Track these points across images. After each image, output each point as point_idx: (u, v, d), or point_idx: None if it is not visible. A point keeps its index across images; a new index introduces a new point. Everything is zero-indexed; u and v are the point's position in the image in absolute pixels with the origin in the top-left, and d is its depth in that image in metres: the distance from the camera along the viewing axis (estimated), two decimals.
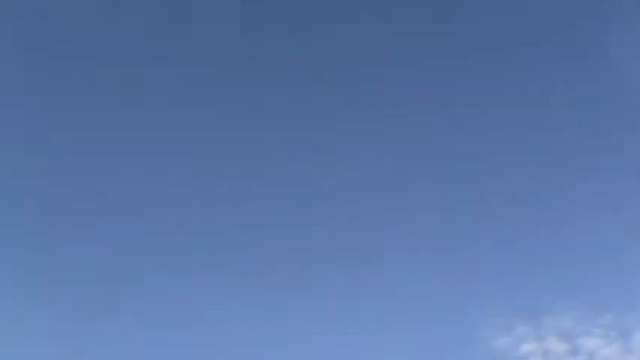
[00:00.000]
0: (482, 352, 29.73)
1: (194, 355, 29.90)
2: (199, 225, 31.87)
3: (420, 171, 33.25)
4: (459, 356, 29.53)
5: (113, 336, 29.66)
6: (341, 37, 33.68)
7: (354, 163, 33.36)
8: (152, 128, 33.86)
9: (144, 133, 33.38)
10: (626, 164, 34.57)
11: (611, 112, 34.59)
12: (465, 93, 34.25)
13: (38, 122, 33.31)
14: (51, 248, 31.42)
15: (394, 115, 33.04)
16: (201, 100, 33.72)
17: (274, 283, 32.07)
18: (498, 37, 34.61)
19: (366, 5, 34.57)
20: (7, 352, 27.94)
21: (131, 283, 31.09)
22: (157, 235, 32.18)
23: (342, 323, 30.52)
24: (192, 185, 33.23)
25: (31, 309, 29.60)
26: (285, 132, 33.41)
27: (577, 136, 34.04)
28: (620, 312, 30.39)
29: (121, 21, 33.44)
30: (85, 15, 33.57)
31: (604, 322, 29.99)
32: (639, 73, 33.53)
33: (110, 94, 33.22)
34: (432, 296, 30.19)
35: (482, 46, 33.66)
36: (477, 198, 33.34)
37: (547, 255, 31.99)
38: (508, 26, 34.93)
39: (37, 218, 31.60)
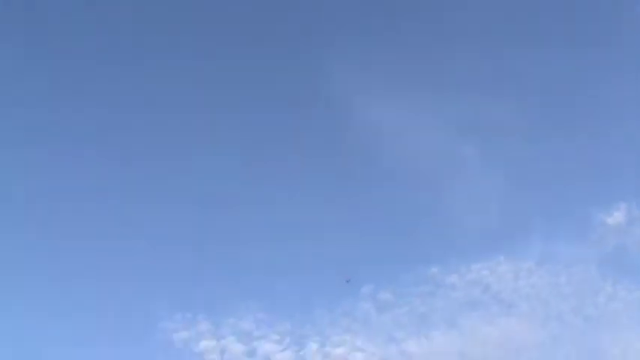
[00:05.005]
0: (162, 344, 33.36)
1: None
2: None
3: None
4: (138, 346, 33.03)
5: None
6: None
7: None
8: None
9: None
10: None
11: None
12: None
13: None
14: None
15: None
16: None
17: None
18: None
19: None
20: None
21: None
22: None
23: None
24: None
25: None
26: None
27: None
28: (298, 321, 34.13)
29: None
30: None
31: (282, 328, 33.85)
32: None
33: None
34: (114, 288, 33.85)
35: None
36: None
37: (232, 260, 35.73)
38: None
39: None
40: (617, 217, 35.50)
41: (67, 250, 36.34)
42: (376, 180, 37.63)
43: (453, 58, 38.72)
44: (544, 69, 39.10)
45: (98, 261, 35.80)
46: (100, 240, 36.23)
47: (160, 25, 39.26)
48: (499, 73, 39.25)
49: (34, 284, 35.03)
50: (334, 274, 35.64)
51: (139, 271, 35.66)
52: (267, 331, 34.21)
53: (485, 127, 37.59)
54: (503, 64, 39.37)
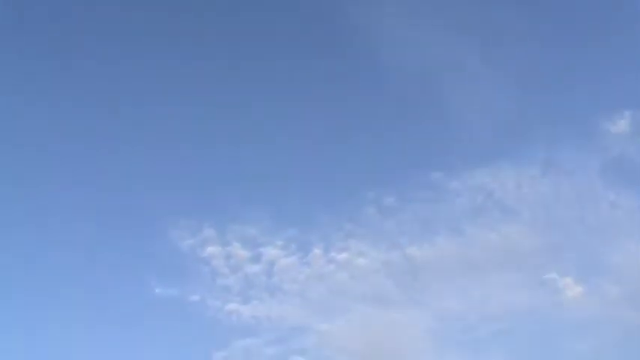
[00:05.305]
0: (169, 251, 33.83)
1: None
2: None
3: None
4: (146, 253, 33.59)
5: None
6: None
7: None
8: None
9: None
10: None
11: None
12: None
13: None
14: None
15: None
16: None
17: None
18: None
19: None
20: None
21: None
22: None
23: None
24: None
25: None
26: None
27: None
28: (303, 227, 34.32)
29: None
30: None
31: (287, 235, 34.34)
32: None
33: None
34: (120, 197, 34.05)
35: None
36: None
37: (237, 166, 35.51)
38: None
39: None
40: (621, 125, 35.46)
41: (69, 157, 36.04)
42: (378, 84, 36.99)
43: None
44: None
45: (100, 167, 35.31)
46: (103, 146, 35.68)
47: None
48: None
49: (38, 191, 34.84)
50: (339, 179, 35.63)
51: (144, 181, 35.42)
52: (272, 238, 34.41)
53: (489, 30, 36.83)
54: None
